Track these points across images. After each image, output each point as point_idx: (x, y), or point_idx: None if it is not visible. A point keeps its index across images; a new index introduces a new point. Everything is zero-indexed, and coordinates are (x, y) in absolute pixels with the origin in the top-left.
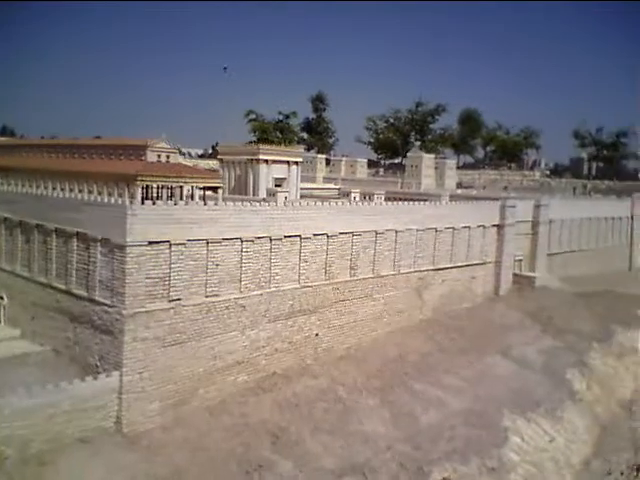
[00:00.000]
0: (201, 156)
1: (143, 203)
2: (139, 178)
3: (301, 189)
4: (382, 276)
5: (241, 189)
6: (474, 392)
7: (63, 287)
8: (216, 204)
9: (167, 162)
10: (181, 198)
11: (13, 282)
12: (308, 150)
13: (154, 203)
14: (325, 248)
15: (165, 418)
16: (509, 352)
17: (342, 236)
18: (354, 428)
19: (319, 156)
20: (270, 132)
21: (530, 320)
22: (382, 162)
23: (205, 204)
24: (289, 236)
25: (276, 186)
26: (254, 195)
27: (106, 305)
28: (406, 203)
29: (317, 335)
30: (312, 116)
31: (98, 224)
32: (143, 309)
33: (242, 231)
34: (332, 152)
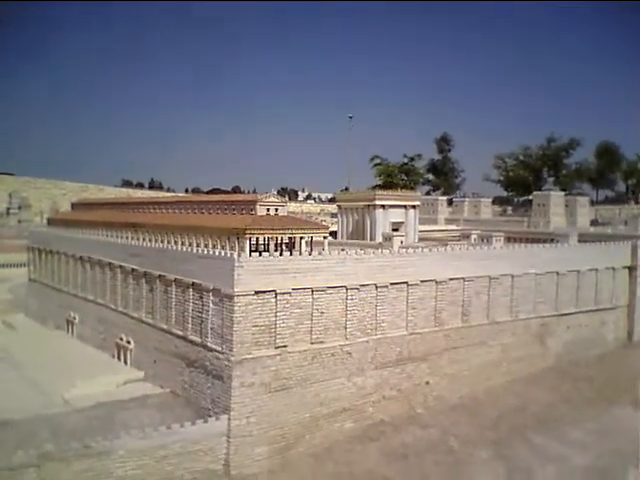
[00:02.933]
0: (330, 200)
1: (250, 255)
2: (247, 231)
3: (420, 232)
4: (498, 322)
5: (359, 234)
6: (599, 447)
7: (180, 333)
8: (320, 254)
9: (275, 215)
10: (290, 248)
11: (138, 328)
12: (434, 191)
13: (260, 255)
14: (434, 294)
15: (271, 462)
16: None
17: (452, 282)
18: None
19: (440, 198)
20: (395, 175)
21: None
22: (515, 200)
23: (310, 254)
24: (395, 283)
25: (393, 230)
26: (371, 239)
27: (217, 351)
28: (523, 246)
29: (427, 383)
30: (437, 157)
31: (210, 275)
32: (250, 355)
33: (347, 279)
34: (459, 192)
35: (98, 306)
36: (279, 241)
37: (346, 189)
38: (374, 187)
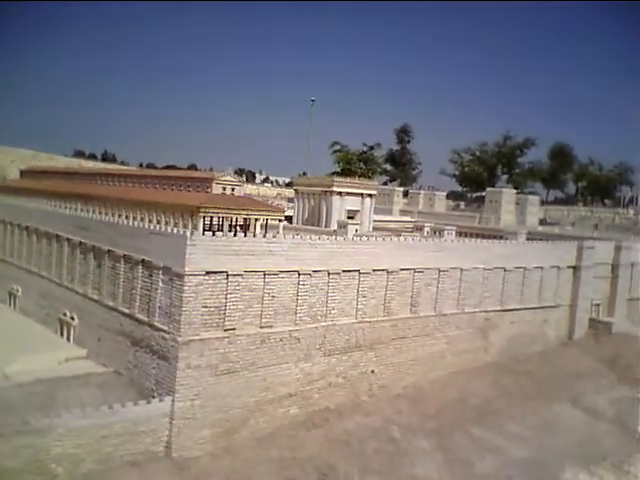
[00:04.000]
0: (288, 184)
1: (204, 234)
2: (202, 210)
3: (374, 221)
4: (445, 315)
5: (314, 220)
6: (537, 441)
7: (127, 311)
8: (274, 237)
9: (232, 194)
10: (244, 230)
11: (84, 304)
12: (391, 181)
13: (214, 234)
14: (385, 284)
15: (214, 446)
16: (579, 400)
17: (403, 272)
18: (405, 471)
19: (397, 188)
20: (354, 163)
21: (605, 368)
22: (468, 195)
23: (264, 237)
24: (347, 270)
25: (349, 218)
26: (326, 226)
27: (164, 331)
28: (473, 240)
29: (373, 372)
30: (396, 148)
31: (161, 253)
32: (197, 337)
33: (299, 264)
34: (415, 184)
35: (42, 279)
36: (234, 222)
37: (304, 174)
38: (332, 174)
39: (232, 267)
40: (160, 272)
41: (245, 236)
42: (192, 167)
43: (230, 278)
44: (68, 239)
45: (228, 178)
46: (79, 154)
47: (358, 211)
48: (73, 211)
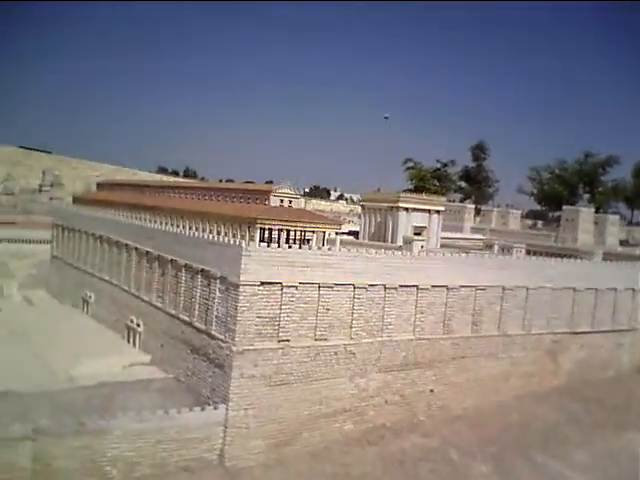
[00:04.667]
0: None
1: (259, 245)
2: (259, 221)
3: (443, 238)
4: (509, 335)
5: (380, 236)
6: (603, 471)
7: (187, 319)
8: (329, 249)
9: (289, 207)
10: (301, 242)
11: (149, 311)
12: (465, 199)
13: (269, 245)
14: (444, 300)
15: (267, 457)
16: None
17: (464, 289)
18: None
19: (468, 206)
20: (427, 180)
21: None
22: (548, 214)
23: (319, 249)
24: (405, 285)
25: (415, 234)
26: (392, 242)
27: (220, 340)
28: (540, 258)
29: (432, 391)
30: (472, 165)
31: (218, 262)
32: (252, 347)
33: (355, 277)
34: (491, 202)
35: (113, 286)
36: (295, 236)
37: (378, 191)
38: (405, 191)
39: (287, 278)
40: (217, 281)
41: (300, 248)
42: (268, 183)
43: (285, 289)
44: (136, 248)
45: (285, 191)
46: (162, 170)
47: (425, 227)
48: (141, 221)
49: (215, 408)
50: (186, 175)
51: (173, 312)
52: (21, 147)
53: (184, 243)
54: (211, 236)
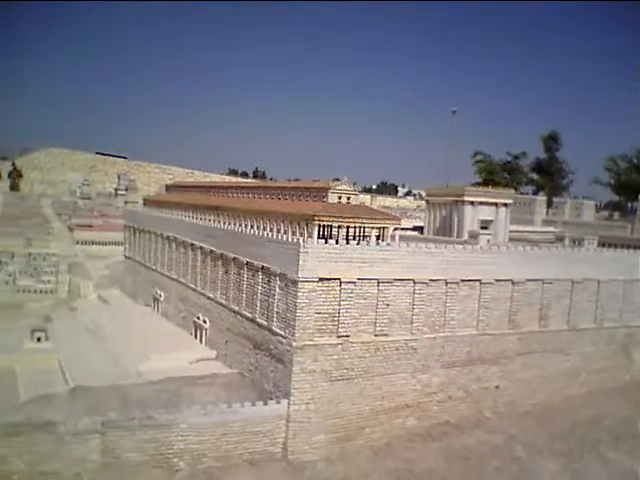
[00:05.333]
0: None
1: (317, 242)
2: (316, 218)
3: (511, 232)
4: (579, 329)
5: (445, 231)
6: None
7: (250, 316)
8: (388, 244)
9: (347, 203)
10: (360, 238)
11: (214, 308)
12: (538, 192)
13: (326, 242)
14: (509, 295)
15: (329, 451)
16: None
17: (530, 283)
18: None
19: (538, 198)
20: (497, 173)
21: None
22: (627, 205)
23: (377, 244)
24: (467, 280)
25: (482, 228)
26: (457, 237)
27: (280, 336)
28: (611, 250)
29: (497, 387)
30: (543, 156)
31: (278, 259)
32: (312, 342)
33: (415, 272)
34: (566, 194)
35: (180, 285)
36: (354, 233)
37: (446, 185)
38: (474, 184)
39: (345, 274)
40: (277, 278)
41: (358, 244)
42: (335, 181)
43: (343, 285)
44: (201, 247)
45: (344, 187)
46: (232, 172)
47: (492, 221)
48: (207, 221)
49: (277, 402)
50: (255, 176)
51: (236, 309)
52: (98, 153)
53: (245, 241)
54: (270, 234)
